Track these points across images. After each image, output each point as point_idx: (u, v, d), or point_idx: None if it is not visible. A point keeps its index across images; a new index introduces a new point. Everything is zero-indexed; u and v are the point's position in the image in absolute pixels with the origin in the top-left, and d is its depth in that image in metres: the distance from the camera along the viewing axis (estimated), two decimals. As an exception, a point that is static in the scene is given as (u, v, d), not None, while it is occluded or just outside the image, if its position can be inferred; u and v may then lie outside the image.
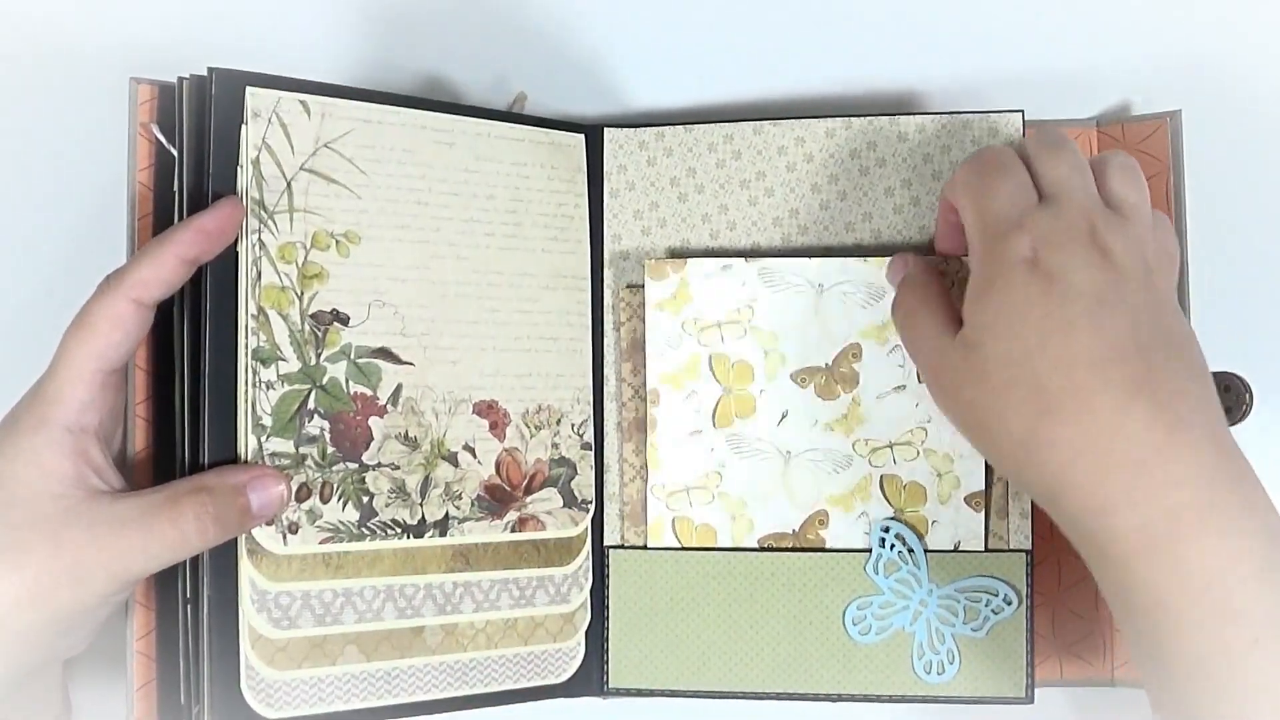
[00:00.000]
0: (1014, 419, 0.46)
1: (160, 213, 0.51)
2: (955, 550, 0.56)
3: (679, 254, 0.58)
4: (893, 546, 0.56)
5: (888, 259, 0.55)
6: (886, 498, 0.56)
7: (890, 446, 0.56)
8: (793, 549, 0.56)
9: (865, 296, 0.56)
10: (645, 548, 0.57)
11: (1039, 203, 0.48)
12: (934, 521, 0.56)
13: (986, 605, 0.55)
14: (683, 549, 0.57)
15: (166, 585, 0.50)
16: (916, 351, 0.52)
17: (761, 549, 0.56)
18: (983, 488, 0.56)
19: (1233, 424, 0.54)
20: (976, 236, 0.49)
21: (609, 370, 0.58)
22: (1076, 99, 0.57)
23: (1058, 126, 0.57)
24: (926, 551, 0.56)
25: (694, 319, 0.56)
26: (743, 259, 0.56)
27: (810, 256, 0.56)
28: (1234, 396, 0.54)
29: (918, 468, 0.56)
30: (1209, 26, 0.62)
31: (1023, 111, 0.57)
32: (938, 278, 0.53)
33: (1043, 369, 0.45)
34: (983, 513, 0.56)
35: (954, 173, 0.52)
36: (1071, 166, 0.49)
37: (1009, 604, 0.55)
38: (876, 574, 0.56)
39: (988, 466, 0.56)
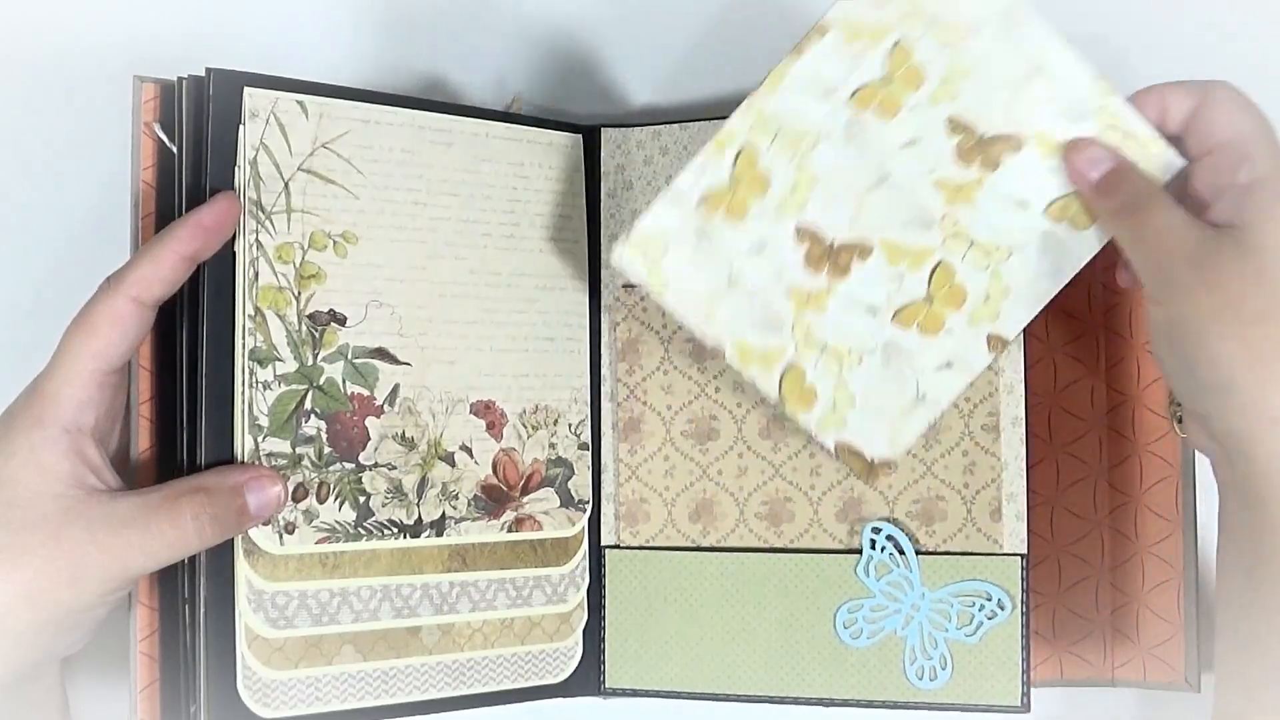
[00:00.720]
0: None
1: (163, 211, 0.51)
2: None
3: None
4: (884, 549, 0.55)
5: (1108, 94, 0.51)
6: (930, 279, 0.52)
7: (972, 243, 0.52)
8: (820, 255, 0.52)
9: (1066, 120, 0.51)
10: (642, 548, 0.57)
11: None
12: (946, 330, 0.53)
13: (980, 610, 0.55)
14: (682, 548, 0.57)
15: (170, 586, 0.50)
16: (1161, 239, 0.48)
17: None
18: (1010, 338, 0.53)
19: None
20: (1269, 151, 0.47)
21: (605, 370, 0.58)
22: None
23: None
24: (919, 554, 0.55)
25: None
26: None
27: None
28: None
29: (976, 278, 0.52)
30: (1216, 38, 0.62)
31: None
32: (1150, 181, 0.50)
33: None
34: (994, 355, 0.53)
35: (1196, 83, 0.50)
36: None
37: (1002, 609, 0.55)
38: (867, 576, 0.55)
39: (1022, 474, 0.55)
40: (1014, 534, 0.55)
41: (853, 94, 0.51)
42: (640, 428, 0.58)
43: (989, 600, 0.55)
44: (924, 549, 0.55)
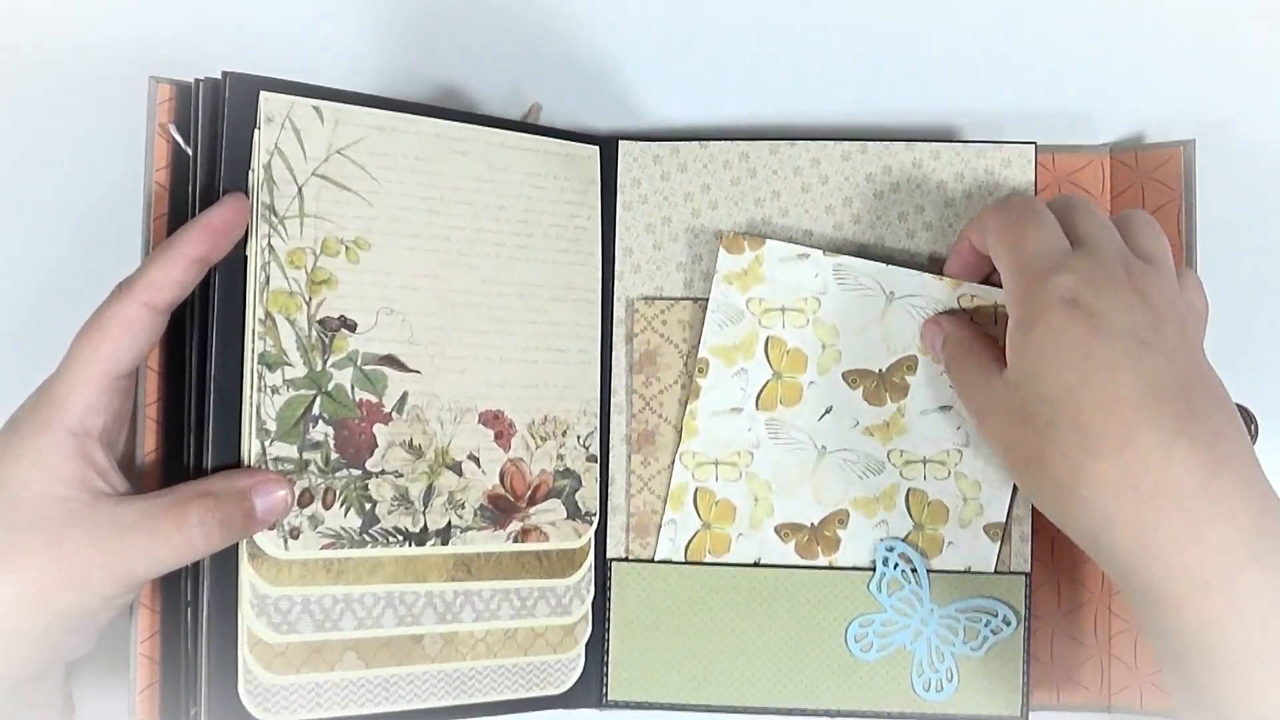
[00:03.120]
0: (1056, 458, 0.46)
1: (176, 213, 0.51)
2: (965, 572, 0.56)
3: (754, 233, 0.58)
4: (896, 566, 0.56)
5: (957, 285, 0.55)
6: (909, 510, 0.56)
7: (924, 462, 0.56)
8: (807, 541, 0.56)
9: (931, 314, 0.56)
10: (650, 560, 0.57)
11: (1072, 249, 0.48)
12: (949, 543, 0.56)
13: (986, 625, 0.56)
14: (686, 563, 0.57)
15: (171, 588, 0.50)
16: (967, 399, 0.52)
17: (772, 562, 0.56)
18: (1003, 520, 0.56)
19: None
20: (1014, 276, 0.49)
21: (616, 382, 0.58)
22: (1090, 127, 0.56)
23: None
24: (929, 572, 0.56)
25: (759, 299, 0.56)
26: (821, 251, 0.56)
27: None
28: (1239, 427, 0.54)
29: (946, 488, 0.56)
30: (1223, 57, 0.62)
31: (1035, 144, 0.57)
32: (973, 328, 0.54)
33: (1085, 407, 0.45)
34: (998, 543, 0.56)
35: (981, 213, 0.52)
36: (1099, 221, 0.49)
37: (1008, 624, 0.55)
38: (880, 592, 0.56)
39: (1011, 500, 0.56)
40: (1019, 554, 0.56)
41: (756, 399, 0.57)
42: (655, 440, 0.57)
43: (995, 616, 0.56)
44: (934, 567, 0.56)
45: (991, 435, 0.50)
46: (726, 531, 0.57)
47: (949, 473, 0.56)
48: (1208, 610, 0.43)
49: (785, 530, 0.57)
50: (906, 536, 0.56)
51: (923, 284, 0.56)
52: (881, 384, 0.56)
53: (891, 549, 0.56)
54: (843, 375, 0.56)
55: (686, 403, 0.57)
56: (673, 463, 0.57)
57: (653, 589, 0.57)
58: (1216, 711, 0.45)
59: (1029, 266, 0.48)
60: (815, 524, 0.57)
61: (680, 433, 0.57)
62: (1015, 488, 0.56)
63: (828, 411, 0.56)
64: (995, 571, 0.56)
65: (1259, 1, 0.61)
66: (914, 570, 0.56)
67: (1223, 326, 0.54)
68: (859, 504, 0.56)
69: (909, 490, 0.56)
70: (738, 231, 0.57)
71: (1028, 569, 0.56)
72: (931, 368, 0.56)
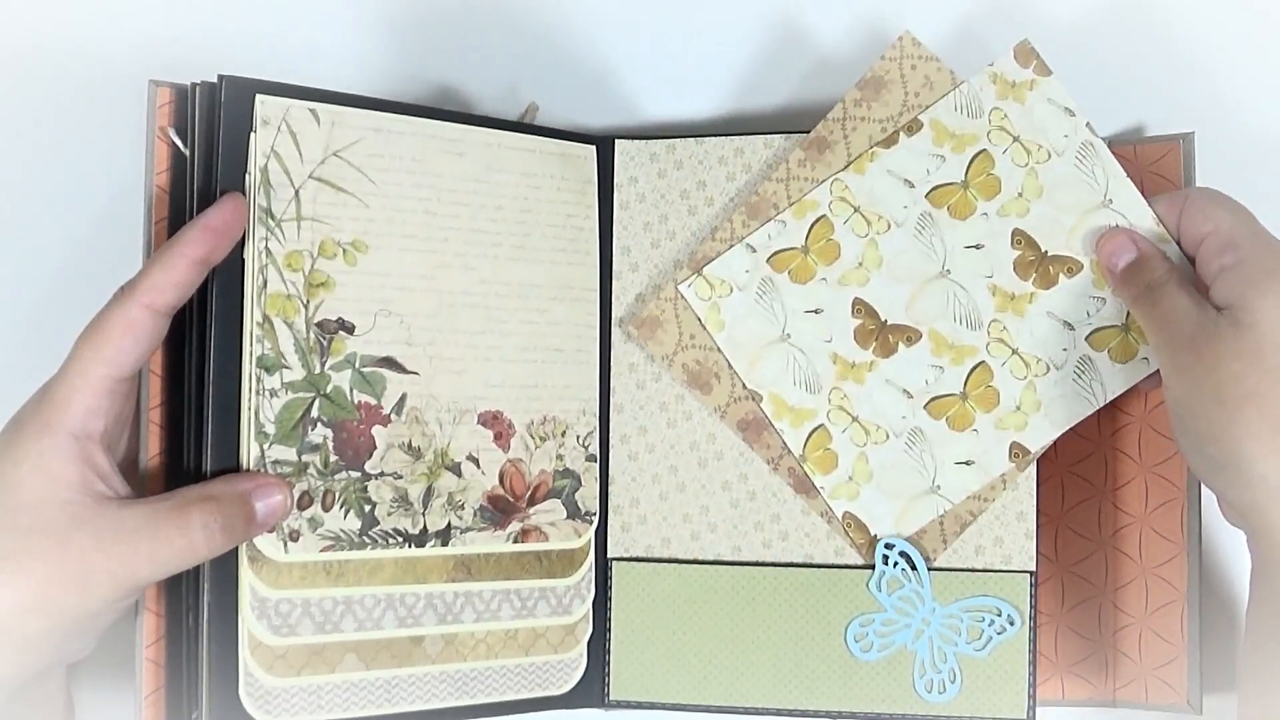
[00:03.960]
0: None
1: (176, 215, 0.51)
2: (966, 571, 0.56)
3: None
4: (895, 564, 0.55)
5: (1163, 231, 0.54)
6: (969, 376, 0.56)
7: (1015, 352, 0.55)
8: (876, 334, 0.56)
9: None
10: (649, 560, 0.57)
11: None
12: (974, 429, 0.55)
13: (990, 625, 0.55)
14: (687, 562, 0.57)
15: (176, 592, 0.50)
16: (1167, 322, 0.51)
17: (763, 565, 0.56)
18: (1033, 452, 0.55)
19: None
20: (1248, 233, 0.50)
21: (615, 382, 0.58)
22: (1090, 120, 0.56)
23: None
24: (931, 570, 0.55)
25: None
26: (1086, 122, 0.55)
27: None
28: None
29: (1011, 387, 0.55)
30: (1223, 50, 0.62)
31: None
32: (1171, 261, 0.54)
33: None
34: (1014, 464, 0.55)
35: (1179, 192, 0.54)
36: None
37: (1011, 624, 0.55)
38: (879, 591, 0.56)
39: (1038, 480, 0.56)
40: (1023, 551, 0.56)
41: (931, 190, 0.56)
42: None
43: (999, 615, 0.55)
44: (935, 565, 0.56)
45: (1203, 366, 0.49)
46: (815, 267, 0.56)
47: (1026, 376, 0.55)
48: None
49: (861, 306, 0.56)
50: (944, 397, 0.56)
51: (1139, 210, 0.54)
52: (1039, 262, 0.55)
53: (891, 546, 0.55)
54: (1014, 229, 0.55)
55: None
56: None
57: (654, 588, 0.57)
58: None
59: (1262, 229, 0.51)
60: (889, 323, 0.56)
61: None
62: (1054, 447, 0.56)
63: (977, 246, 0.55)
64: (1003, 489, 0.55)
65: (1255, -6, 0.61)
66: (913, 568, 0.55)
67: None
68: (935, 337, 0.56)
69: (981, 362, 0.55)
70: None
71: (1032, 567, 0.56)
72: (1087, 284, 0.55)
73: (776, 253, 0.56)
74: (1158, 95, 0.62)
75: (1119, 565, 0.59)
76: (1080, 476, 0.59)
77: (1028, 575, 0.55)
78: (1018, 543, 0.56)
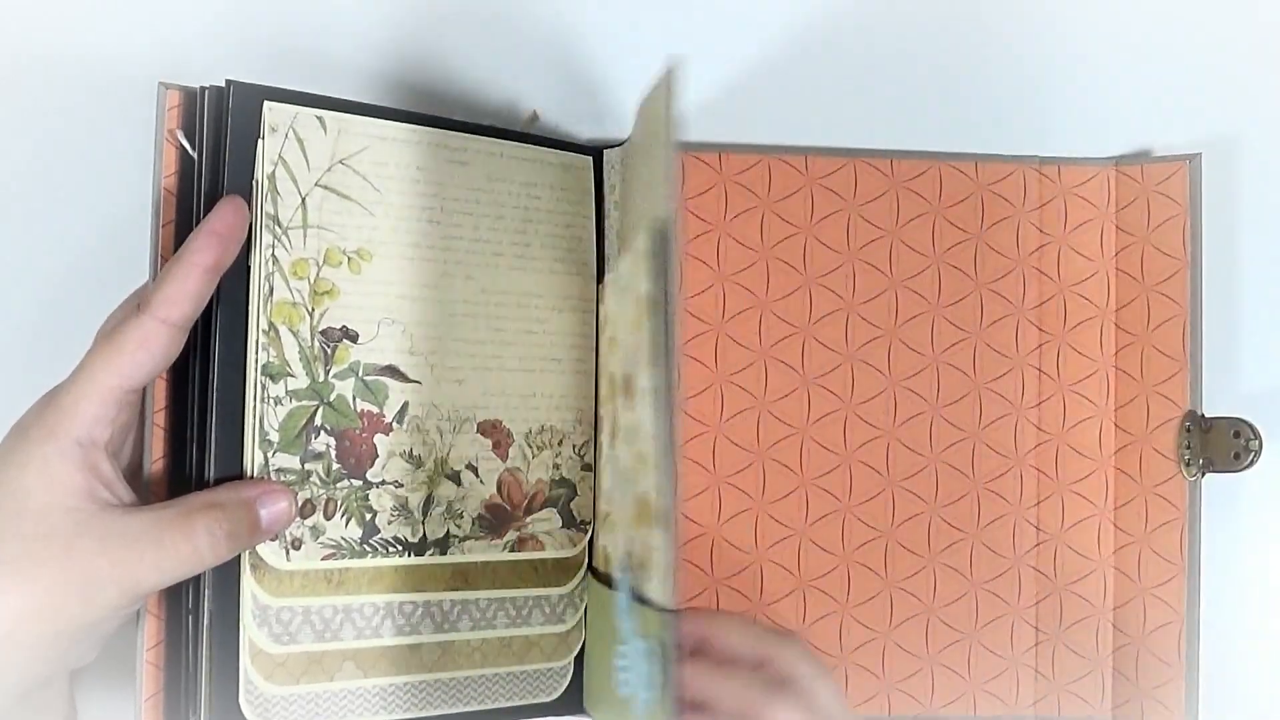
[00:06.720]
0: None
1: (184, 219, 0.50)
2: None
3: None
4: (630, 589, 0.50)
5: None
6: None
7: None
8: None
9: None
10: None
11: None
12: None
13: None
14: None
15: (176, 596, 0.49)
16: None
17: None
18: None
19: (1240, 470, 0.54)
20: None
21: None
22: (1096, 140, 0.57)
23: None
24: (636, 600, 0.49)
25: None
26: None
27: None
28: (1243, 443, 0.55)
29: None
30: (1229, 72, 0.63)
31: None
32: None
33: None
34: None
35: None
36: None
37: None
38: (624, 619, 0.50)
39: None
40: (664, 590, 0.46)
41: None
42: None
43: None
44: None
45: None
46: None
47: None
48: None
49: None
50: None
51: None
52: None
53: (625, 570, 0.49)
54: None
55: None
56: None
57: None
58: None
59: None
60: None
61: None
62: None
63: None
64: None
65: (1265, 16, 0.62)
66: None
67: (1226, 340, 0.55)
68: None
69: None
70: None
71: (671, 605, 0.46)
72: None
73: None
74: (1164, 116, 0.62)
75: (1118, 585, 0.59)
76: (1081, 495, 0.60)
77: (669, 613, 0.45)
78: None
